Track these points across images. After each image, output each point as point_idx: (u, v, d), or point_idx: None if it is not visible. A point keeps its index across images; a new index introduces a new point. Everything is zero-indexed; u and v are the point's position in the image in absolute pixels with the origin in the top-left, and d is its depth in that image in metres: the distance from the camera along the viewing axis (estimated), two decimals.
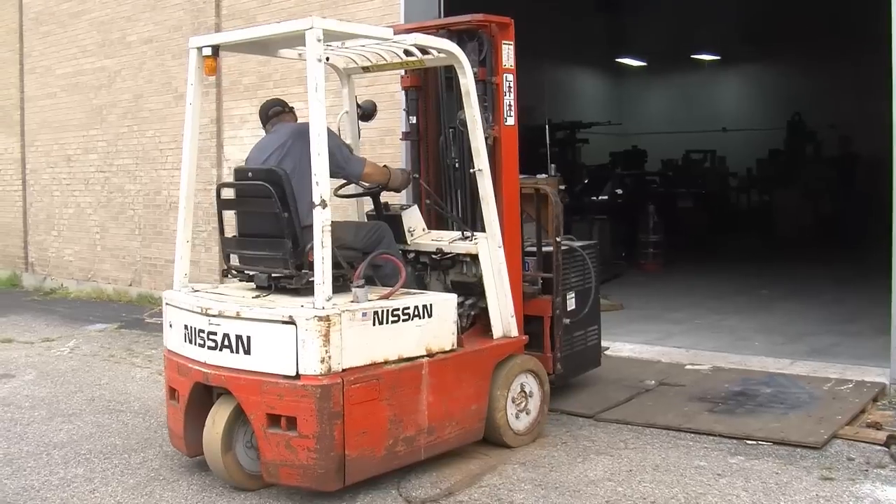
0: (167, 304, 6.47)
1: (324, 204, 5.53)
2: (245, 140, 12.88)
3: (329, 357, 5.47)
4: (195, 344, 6.01)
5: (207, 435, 5.93)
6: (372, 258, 6.26)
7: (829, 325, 10.65)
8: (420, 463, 6.20)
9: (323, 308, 5.49)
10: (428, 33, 6.72)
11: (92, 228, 15.50)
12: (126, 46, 14.61)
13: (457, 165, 7.21)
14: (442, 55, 6.64)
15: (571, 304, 7.73)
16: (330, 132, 6.14)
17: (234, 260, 6.84)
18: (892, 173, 7.80)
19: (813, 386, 7.98)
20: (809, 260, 16.11)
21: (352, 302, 5.73)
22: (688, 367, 8.83)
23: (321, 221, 5.49)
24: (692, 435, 6.88)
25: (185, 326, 6.13)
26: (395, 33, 6.37)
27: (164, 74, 14.04)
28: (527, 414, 6.89)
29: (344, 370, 5.56)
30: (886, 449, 6.41)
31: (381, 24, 10.89)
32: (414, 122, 7.79)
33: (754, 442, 6.66)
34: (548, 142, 12.96)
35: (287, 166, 6.24)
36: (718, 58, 26.57)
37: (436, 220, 7.46)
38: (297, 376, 5.50)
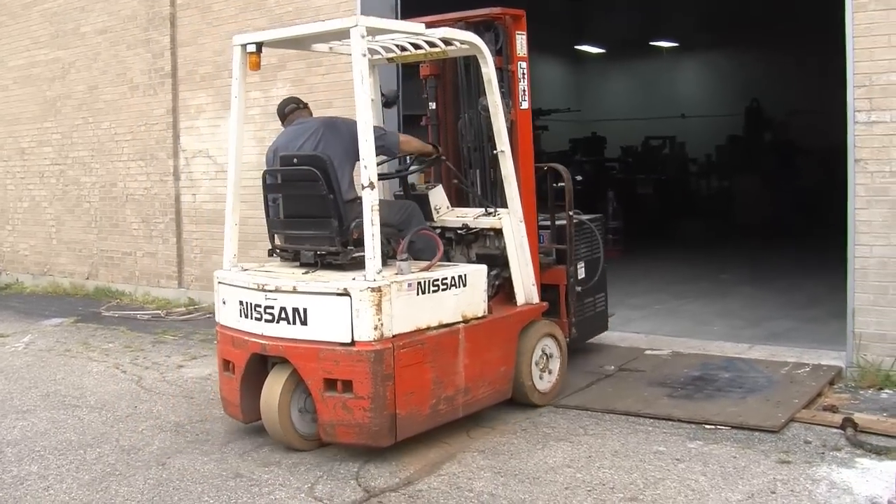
0: (220, 282, 6.94)
1: (372, 185, 6.04)
2: (202, 130, 12.79)
3: (381, 324, 5.99)
4: (251, 318, 6.52)
5: (265, 401, 6.42)
6: (413, 234, 6.81)
7: (788, 309, 10.70)
8: (381, 451, 6.25)
9: (374, 280, 6.00)
10: (446, 25, 7.19)
11: (48, 222, 15.32)
12: (80, 37, 14.42)
13: (474, 147, 7.91)
14: (465, 46, 7.09)
15: (581, 272, 8.35)
16: (354, 121, 6.64)
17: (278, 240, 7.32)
18: (846, 160, 7.85)
19: (771, 370, 8.02)
20: (769, 245, 16.21)
21: (396, 274, 6.24)
22: (647, 352, 8.85)
23: (370, 202, 6.01)
24: (651, 420, 6.90)
25: (241, 302, 6.62)
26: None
27: (119, 65, 13.86)
28: (549, 374, 7.51)
29: (393, 336, 6.09)
30: (842, 432, 6.44)
31: (338, 15, 10.96)
32: (433, 107, 8.33)
33: (713, 427, 6.68)
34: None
35: (322, 150, 6.82)
36: (678, 45, 26.61)
37: (455, 198, 8.09)
38: (353, 343, 6.02)
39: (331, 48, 7.64)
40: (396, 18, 10.98)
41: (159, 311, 12.44)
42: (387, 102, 8.27)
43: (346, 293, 6.02)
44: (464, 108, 8.01)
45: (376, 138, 6.51)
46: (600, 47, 27.86)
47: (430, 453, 6.36)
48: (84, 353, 10.03)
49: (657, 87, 27.01)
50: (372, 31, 6.53)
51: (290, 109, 7.58)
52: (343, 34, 6.52)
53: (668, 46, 26.68)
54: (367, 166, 6.06)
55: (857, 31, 7.70)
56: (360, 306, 5.96)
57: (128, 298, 13.62)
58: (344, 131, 6.98)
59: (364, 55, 6.11)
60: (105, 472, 6.24)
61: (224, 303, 6.90)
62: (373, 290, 5.97)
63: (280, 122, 7.72)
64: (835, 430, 6.52)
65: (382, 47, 7.50)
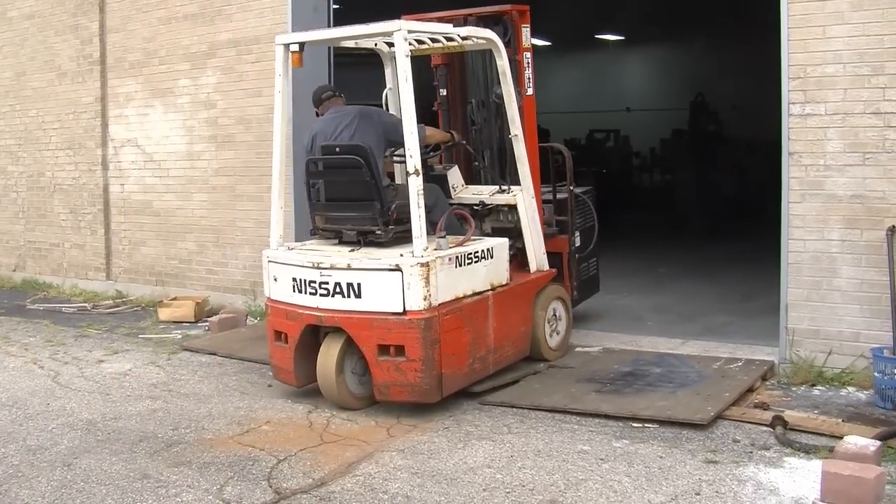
0: (270, 261, 7.61)
1: (417, 172, 6.76)
2: (131, 119, 12.45)
3: (429, 295, 6.73)
4: (306, 293, 7.18)
5: (322, 366, 7.09)
6: (449, 214, 7.60)
7: (724, 303, 10.56)
8: (295, 451, 6.10)
9: (422, 256, 6.72)
10: (457, 20, 8.10)
11: None
12: (6, 22, 13.96)
13: (482, 130, 8.82)
14: (481, 41, 7.76)
15: (578, 241, 9.12)
16: (386, 111, 8.33)
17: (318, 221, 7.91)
18: (780, 153, 7.74)
19: (703, 365, 7.87)
20: (709, 238, 16.08)
21: (435, 250, 6.92)
22: (578, 348, 8.65)
23: (416, 187, 6.73)
24: (578, 417, 6.72)
25: (294, 279, 7.28)
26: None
27: (47, 51, 13.45)
28: (558, 334, 8.42)
29: (439, 305, 6.82)
30: (772, 430, 6.30)
31: (269, 2, 10.68)
32: (444, 94, 9.01)
33: (640, 424, 6.52)
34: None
35: (357, 140, 7.53)
36: (623, 38, 26.52)
37: (466, 177, 8.79)
38: (404, 312, 6.74)
39: (356, 43, 8.28)
40: (329, 5, 10.79)
41: (86, 305, 12.07)
42: None
43: (397, 268, 6.74)
44: (471, 95, 8.89)
45: (403, 132, 7.09)
46: (545, 40, 27.70)
47: (347, 453, 6.15)
48: (2, 347, 9.67)
49: (603, 81, 26.92)
50: (412, 33, 7.26)
51: (327, 97, 8.18)
52: (384, 35, 7.73)
53: (614, 39, 26.56)
54: (413, 155, 6.76)
55: (793, 22, 7.56)
56: (411, 280, 6.69)
57: (55, 291, 13.22)
58: (377, 121, 7.77)
59: (407, 55, 6.82)
60: (7, 473, 5.95)
61: (275, 280, 7.54)
62: (422, 265, 6.69)
63: (315, 108, 8.30)
64: (764, 429, 6.39)
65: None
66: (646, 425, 6.50)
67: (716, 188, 18.98)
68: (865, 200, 7.38)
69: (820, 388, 7.40)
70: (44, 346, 9.71)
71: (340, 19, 9.85)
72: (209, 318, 10.45)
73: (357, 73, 11.33)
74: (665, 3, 22.64)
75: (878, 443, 5.51)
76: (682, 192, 19.81)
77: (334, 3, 16.40)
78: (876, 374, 7.00)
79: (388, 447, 6.23)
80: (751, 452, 5.96)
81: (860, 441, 5.42)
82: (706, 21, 22.10)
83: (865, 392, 7.22)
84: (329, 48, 10.39)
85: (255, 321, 10.51)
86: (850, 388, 7.34)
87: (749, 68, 21.31)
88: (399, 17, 7.19)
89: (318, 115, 8.29)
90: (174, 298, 11.34)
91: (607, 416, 6.67)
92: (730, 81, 22.35)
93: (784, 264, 7.73)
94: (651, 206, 20.18)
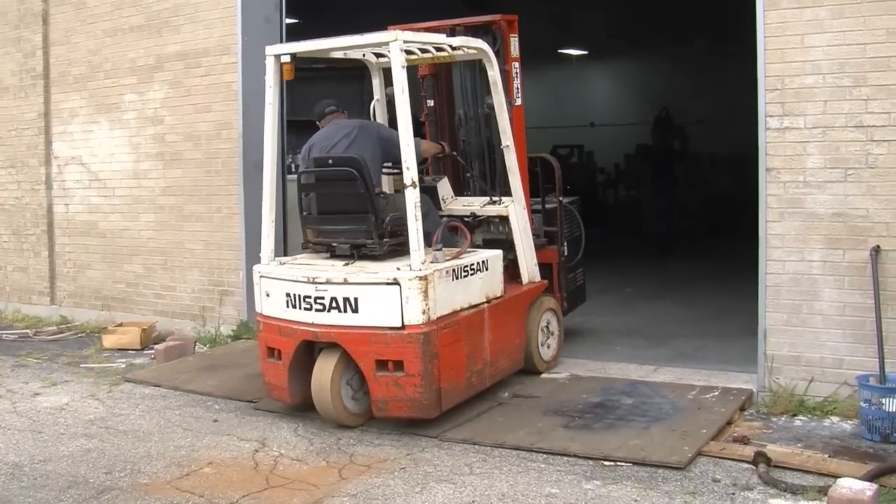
0: (262, 276, 7.42)
1: (414, 185, 6.68)
2: (75, 135, 11.90)
3: (428, 309, 6.63)
4: (301, 308, 7.02)
5: (317, 383, 6.92)
6: (444, 226, 7.54)
7: (696, 325, 10.13)
8: (235, 501, 5.48)
9: (420, 269, 6.61)
10: (446, 29, 8.10)
11: None
12: None
13: (470, 141, 8.74)
14: (471, 51, 7.75)
15: (566, 251, 9.04)
16: (384, 125, 8.42)
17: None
18: (758, 169, 7.31)
19: (677, 395, 7.41)
20: (677, 255, 15.66)
21: (433, 262, 6.84)
22: (544, 375, 8.18)
23: (413, 199, 6.65)
24: (545, 455, 6.21)
25: (288, 294, 7.12)
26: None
27: None
28: (550, 345, 8.44)
29: (437, 318, 6.72)
30: (754, 467, 5.83)
31: (217, 12, 10.21)
32: (431, 105, 8.96)
33: (612, 462, 6.03)
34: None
35: (352, 152, 7.42)
36: (587, 52, 26.22)
37: (453, 188, 8.63)
38: (403, 327, 6.63)
39: (345, 53, 8.19)
40: (281, 15, 10.33)
41: (28, 331, 11.47)
42: (390, 102, 8.41)
43: (396, 282, 6.62)
44: (459, 106, 8.81)
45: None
46: None
47: (294, 499, 5.62)
48: None
49: (566, 96, 26.56)
50: (408, 43, 7.18)
51: (330, 111, 8.12)
52: (377, 46, 7.68)
53: (578, 54, 26.26)
54: (410, 168, 6.69)
55: (769, 31, 7.15)
56: (410, 293, 6.58)
57: None
58: (375, 134, 7.74)
59: (403, 66, 6.72)
60: None
61: (268, 295, 7.35)
62: (420, 278, 6.59)
63: (317, 122, 8.15)
64: (746, 466, 5.92)
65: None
66: (618, 464, 6.02)
67: (682, 204, 18.63)
68: (847, 219, 6.97)
69: (802, 418, 6.97)
70: None
71: (301, 34, 9.41)
72: (156, 346, 9.88)
73: (313, 87, 10.90)
74: (629, 17, 22.37)
75: (875, 486, 5.05)
76: (648, 208, 19.43)
77: (292, 18, 16.08)
78: (862, 403, 6.57)
79: (338, 491, 5.71)
80: (733, 494, 5.50)
81: (855, 485, 4.97)
82: (671, 36, 21.86)
83: (850, 422, 6.79)
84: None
85: (204, 348, 9.98)
86: (834, 418, 6.91)
87: (715, 82, 21.10)
88: (362, 32, 7.13)
89: (290, 123, 8.29)
90: (120, 324, 10.76)
91: (577, 455, 6.17)
92: (695, 96, 22.07)
93: (762, 287, 7.29)
94: (616, 222, 19.77)
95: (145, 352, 10.06)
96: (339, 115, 8.12)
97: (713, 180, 20.42)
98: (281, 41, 9.91)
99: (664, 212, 17.16)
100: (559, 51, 25.83)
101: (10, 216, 12.72)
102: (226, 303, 10.40)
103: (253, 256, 9.62)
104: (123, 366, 9.50)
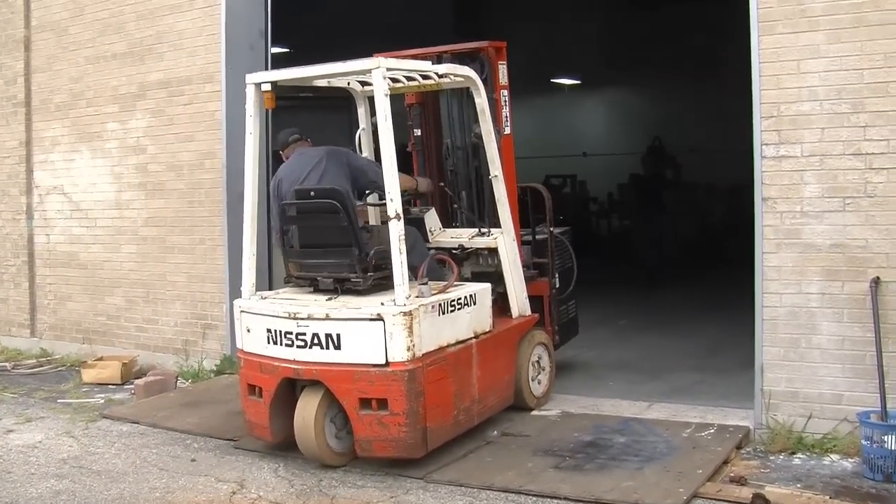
0: (242, 311, 7.22)
1: (398, 217, 6.48)
2: (57, 164, 11.67)
3: (413, 345, 6.41)
4: (282, 344, 6.82)
5: (300, 422, 6.69)
6: (431, 259, 7.43)
7: (691, 358, 9.87)
8: None
9: (405, 304, 6.41)
10: (432, 57, 7.83)
11: None
12: None
13: (457, 171, 8.56)
14: (459, 79, 7.62)
15: (557, 283, 8.83)
16: (357, 154, 8.06)
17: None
18: (753, 196, 7.10)
19: (671, 432, 7.16)
20: (671, 286, 15.41)
21: (418, 297, 6.65)
22: (534, 412, 7.92)
23: (397, 232, 6.45)
24: (534, 498, 5.95)
25: (269, 330, 6.91)
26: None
27: None
28: (541, 380, 8.22)
29: (423, 355, 6.51)
30: None
31: (202, 40, 10.01)
32: (418, 134, 8.77)
33: None
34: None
35: (326, 183, 7.24)
36: (579, 82, 26.11)
37: (441, 219, 8.46)
38: (387, 364, 6.41)
39: (328, 81, 8.08)
40: (266, 43, 10.13)
41: (6, 364, 11.19)
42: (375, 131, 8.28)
43: (379, 318, 6.42)
44: (447, 135, 8.63)
45: (372, 177, 7.41)
46: None
47: None
48: None
49: (559, 125, 26.41)
50: (391, 71, 6.94)
51: (294, 140, 7.89)
52: (360, 74, 7.46)
53: (570, 83, 26.14)
54: (393, 199, 6.49)
55: (764, 56, 6.95)
56: (394, 330, 6.37)
57: None
58: (345, 162, 7.50)
59: (387, 94, 6.54)
60: None
61: (248, 330, 7.15)
62: (405, 314, 6.38)
63: (280, 151, 7.97)
64: None
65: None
66: None
67: (674, 233, 18.44)
68: (846, 250, 6.75)
69: (801, 456, 6.72)
70: None
71: (291, 63, 9.22)
72: (136, 381, 9.60)
73: (297, 117, 10.68)
74: (621, 46, 22.28)
75: None
76: (641, 238, 19.23)
77: (281, 47, 15.93)
78: (863, 441, 6.34)
79: None
80: None
81: None
82: (664, 65, 21.76)
83: (851, 460, 6.56)
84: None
85: (187, 383, 9.71)
86: (834, 456, 6.66)
87: (707, 111, 20.97)
88: (352, 58, 6.89)
89: (281, 157, 7.94)
90: (100, 358, 10.50)
91: (567, 498, 5.91)
92: (688, 124, 21.96)
93: (759, 320, 7.06)
94: (609, 252, 19.55)
95: (126, 386, 9.81)
96: (303, 144, 7.90)
97: (707, 209, 20.26)
98: (266, 69, 9.68)
99: (654, 241, 16.89)
100: (552, 80, 25.72)
101: None
102: (209, 337, 10.14)
103: (236, 289, 9.34)
104: (102, 401, 9.23)
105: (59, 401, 9.29)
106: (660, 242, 16.87)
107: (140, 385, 9.32)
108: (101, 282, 11.27)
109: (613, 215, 23.20)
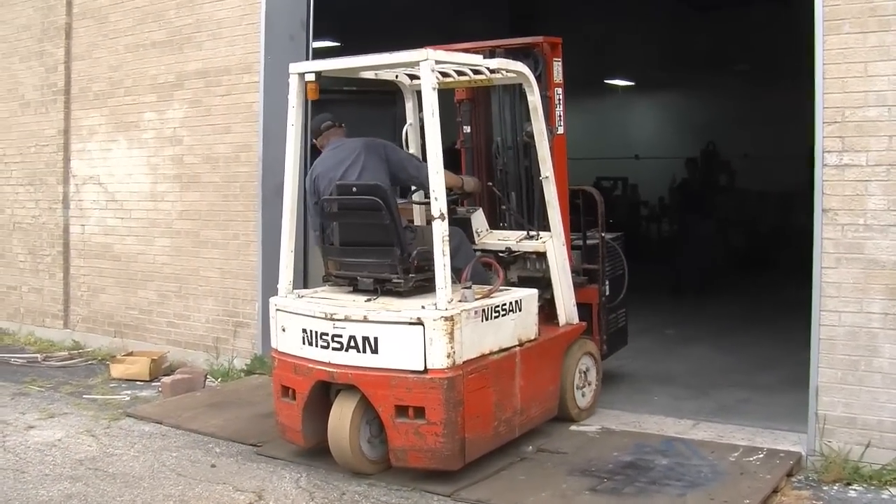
0: (278, 309, 6.96)
1: (443, 217, 6.18)
2: (93, 154, 11.46)
3: (453, 352, 6.12)
4: (317, 346, 6.57)
5: (334, 428, 6.44)
6: (476, 261, 7.16)
7: (740, 373, 9.41)
8: None
9: (446, 309, 6.11)
10: (484, 51, 7.54)
11: None
12: None
13: (508, 170, 8.26)
14: (511, 75, 7.23)
15: (607, 290, 8.48)
16: (396, 147, 7.52)
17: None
18: (813, 203, 6.65)
19: (717, 455, 6.74)
20: (722, 294, 14.91)
21: (461, 301, 6.34)
22: (572, 427, 7.52)
23: (440, 232, 6.16)
24: None
25: (304, 330, 6.67)
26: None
27: (10, 79, 12.50)
28: (587, 392, 7.91)
29: (463, 362, 6.21)
30: None
31: (241, 28, 9.73)
32: (468, 131, 8.48)
33: None
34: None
35: (366, 178, 6.94)
36: (633, 83, 25.67)
37: (489, 220, 8.19)
38: (426, 371, 6.12)
39: (376, 74, 7.83)
40: (308, 35, 9.83)
41: (37, 355, 10.98)
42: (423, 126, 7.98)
43: (419, 322, 6.13)
44: (497, 133, 8.32)
45: (411, 172, 7.22)
46: None
47: None
48: None
49: (611, 127, 26.03)
50: (439, 63, 6.56)
51: (326, 127, 7.52)
52: (408, 66, 7.17)
53: (624, 85, 25.74)
54: (438, 198, 6.20)
55: (828, 58, 6.49)
56: (434, 335, 6.09)
57: (10, 339, 12.14)
58: (383, 156, 7.17)
59: (434, 88, 6.26)
60: None
61: (283, 330, 6.92)
62: (446, 319, 6.09)
63: (314, 140, 7.64)
64: None
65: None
66: None
67: (722, 241, 17.96)
68: None
69: (857, 487, 6.26)
70: None
71: (326, 55, 8.89)
72: (163, 379, 9.33)
73: (345, 109, 10.38)
74: (676, 48, 21.83)
75: None
76: (692, 243, 18.75)
77: (330, 41, 15.64)
78: None
79: None
80: None
81: None
82: (718, 69, 21.35)
83: None
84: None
85: (215, 383, 9.43)
86: (894, 490, 6.18)
87: (762, 116, 20.49)
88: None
89: (314, 147, 7.62)
90: (130, 353, 10.26)
91: None
92: (742, 129, 21.51)
93: (815, 339, 6.60)
94: (659, 258, 19.07)
95: (153, 383, 9.55)
96: (338, 132, 7.54)
97: (759, 216, 19.74)
98: (307, 60, 9.36)
99: (695, 249, 16.39)
100: (605, 81, 25.36)
101: (27, 235, 12.30)
102: (240, 335, 9.85)
103: (270, 287, 9.11)
104: (128, 398, 8.98)
105: (84, 396, 9.05)
106: (701, 250, 16.36)
107: (167, 383, 9.05)
108: (135, 275, 11.03)
109: (664, 220, 22.70)
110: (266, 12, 9.58)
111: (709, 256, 16.36)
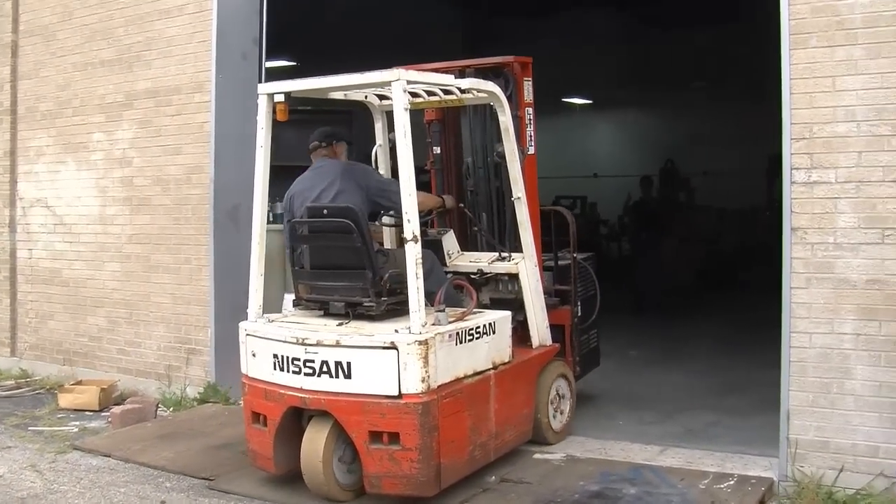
0: (248, 334, 6.85)
1: (416, 239, 6.10)
2: (41, 176, 11.15)
3: (427, 376, 6.05)
4: (289, 371, 6.47)
5: (307, 455, 6.34)
6: (448, 284, 7.01)
7: (707, 396, 9.21)
8: None
9: (420, 333, 6.05)
10: (455, 71, 7.49)
11: None
12: None
13: (478, 191, 8.18)
14: (482, 95, 7.24)
15: (579, 311, 8.43)
16: (376, 172, 7.78)
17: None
18: (775, 219, 6.57)
19: (686, 483, 6.52)
20: (685, 314, 14.75)
21: (434, 325, 6.26)
22: (536, 455, 7.29)
23: (414, 255, 6.08)
24: None
25: (275, 355, 6.56)
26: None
27: None
28: (561, 414, 7.86)
29: (438, 387, 6.14)
30: None
31: (192, 46, 9.47)
32: (437, 152, 8.41)
33: None
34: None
35: (341, 202, 6.87)
36: (591, 102, 25.66)
37: (459, 242, 8.11)
38: (400, 395, 6.04)
39: (345, 95, 7.80)
40: (261, 53, 9.58)
41: None
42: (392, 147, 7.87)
43: (393, 346, 6.07)
44: (467, 154, 8.25)
45: (391, 196, 6.97)
46: None
47: None
48: None
49: (569, 146, 25.95)
50: (411, 84, 6.63)
51: (313, 147, 7.52)
52: (379, 86, 7.05)
53: (582, 103, 25.72)
54: (411, 220, 6.12)
55: (795, 73, 6.35)
56: (408, 359, 6.03)
57: None
58: (362, 182, 7.17)
59: (406, 108, 6.22)
60: None
61: (254, 355, 6.80)
62: (420, 343, 6.03)
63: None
64: None
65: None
66: None
67: (687, 259, 17.87)
68: (885, 286, 6.13)
69: None
70: None
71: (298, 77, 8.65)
72: (113, 409, 9.01)
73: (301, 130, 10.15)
74: (634, 66, 21.83)
75: None
76: (650, 262, 18.63)
77: (287, 60, 15.39)
78: None
79: None
80: None
81: None
82: (677, 87, 21.39)
83: None
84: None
85: (167, 412, 9.12)
86: None
87: (720, 133, 20.51)
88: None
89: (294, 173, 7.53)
90: (78, 382, 9.91)
91: None
92: (701, 147, 21.54)
93: (785, 362, 6.43)
94: (618, 277, 18.92)
95: (103, 413, 9.23)
96: (321, 152, 7.48)
97: (719, 233, 19.68)
98: (260, 80, 9.11)
99: (648, 268, 16.27)
100: (562, 99, 25.31)
101: None
102: (193, 362, 9.55)
103: (222, 313, 8.91)
104: (76, 430, 8.65)
105: (30, 428, 8.72)
106: (660, 269, 16.23)
107: (116, 413, 8.73)
108: (84, 301, 10.71)
109: (624, 238, 22.61)
110: (217, 30, 9.32)
111: (668, 275, 16.25)
